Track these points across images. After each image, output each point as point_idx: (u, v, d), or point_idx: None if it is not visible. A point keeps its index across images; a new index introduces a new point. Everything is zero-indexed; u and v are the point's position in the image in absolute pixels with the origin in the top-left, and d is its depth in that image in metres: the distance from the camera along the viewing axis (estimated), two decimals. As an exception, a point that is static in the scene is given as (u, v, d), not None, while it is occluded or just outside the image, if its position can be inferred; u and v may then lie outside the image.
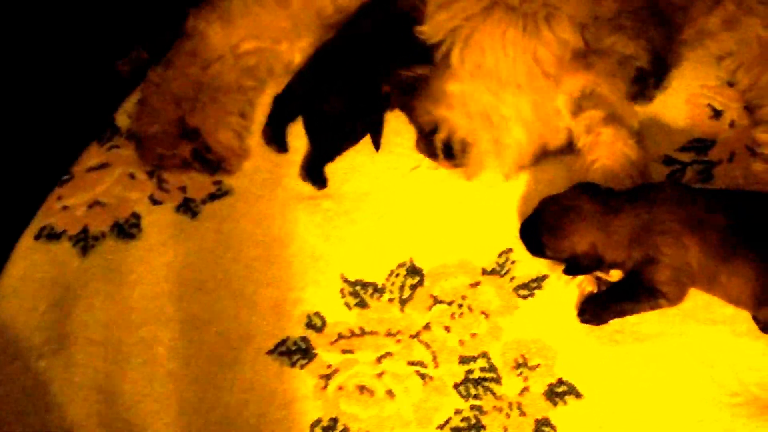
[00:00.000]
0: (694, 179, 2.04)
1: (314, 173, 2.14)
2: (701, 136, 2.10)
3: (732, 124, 2.10)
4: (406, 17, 2.07)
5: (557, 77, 1.92)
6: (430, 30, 1.94)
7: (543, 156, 2.03)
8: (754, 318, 1.83)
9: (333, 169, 2.16)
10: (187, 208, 2.15)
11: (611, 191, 1.89)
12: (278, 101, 2.20)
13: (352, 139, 2.14)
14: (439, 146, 1.99)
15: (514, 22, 1.83)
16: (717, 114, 2.11)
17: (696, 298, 1.86)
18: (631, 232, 1.82)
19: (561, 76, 1.93)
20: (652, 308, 1.86)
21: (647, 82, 1.92)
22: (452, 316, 1.98)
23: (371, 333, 1.99)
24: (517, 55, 1.85)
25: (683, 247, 1.80)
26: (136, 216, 2.16)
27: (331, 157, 2.15)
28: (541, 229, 1.88)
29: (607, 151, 2.01)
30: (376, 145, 2.13)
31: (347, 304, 2.03)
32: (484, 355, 1.93)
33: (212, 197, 2.16)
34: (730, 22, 2.00)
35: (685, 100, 2.14)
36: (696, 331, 1.88)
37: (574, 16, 1.81)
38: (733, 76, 2.14)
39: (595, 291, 1.92)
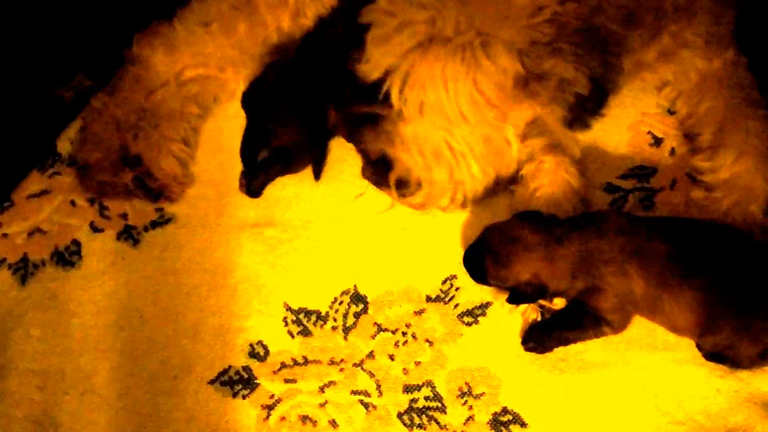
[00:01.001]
0: (636, 207, 1.99)
1: (252, 188, 2.05)
2: (643, 164, 2.05)
3: (672, 152, 2.06)
4: (349, 47, 1.98)
5: (503, 108, 1.85)
6: (369, 69, 1.86)
7: (494, 187, 1.94)
8: (698, 345, 1.77)
9: (277, 197, 2.09)
10: (129, 235, 2.07)
11: (554, 219, 1.83)
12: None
13: (295, 167, 2.05)
14: (392, 182, 1.91)
15: (451, 56, 1.76)
16: (657, 141, 2.07)
17: (639, 326, 1.81)
18: (575, 261, 1.76)
19: (506, 107, 1.85)
20: (596, 336, 1.81)
21: (585, 108, 1.85)
22: (396, 344, 1.91)
23: (314, 362, 1.92)
24: (458, 88, 1.78)
25: (627, 276, 1.74)
26: (77, 243, 2.08)
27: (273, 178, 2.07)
28: (484, 258, 1.82)
29: (549, 179, 1.96)
30: (317, 174, 2.06)
31: (290, 333, 1.95)
32: (429, 383, 1.86)
33: (154, 225, 2.08)
34: (666, 55, 1.96)
35: (626, 127, 2.09)
36: (640, 358, 1.82)
37: (510, 42, 1.75)
38: (673, 105, 2.10)
39: (539, 319, 1.85)
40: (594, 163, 2.05)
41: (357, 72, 1.89)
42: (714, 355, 1.76)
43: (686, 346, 1.80)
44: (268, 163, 2.04)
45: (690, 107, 2.06)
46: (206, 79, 2.15)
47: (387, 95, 1.85)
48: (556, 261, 1.77)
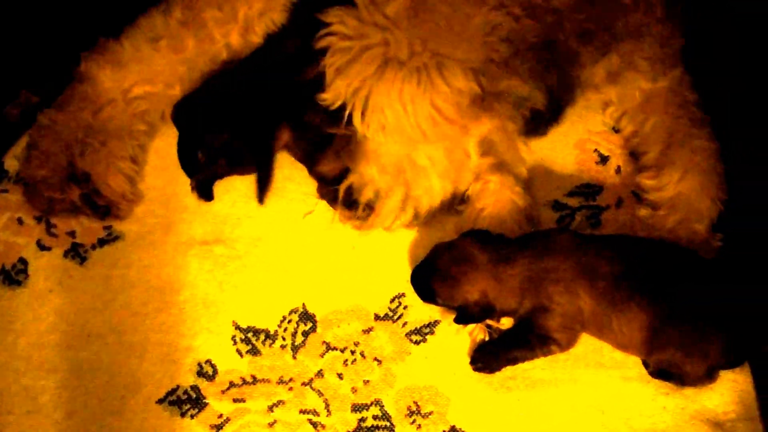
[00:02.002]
0: (583, 225, 1.99)
1: (203, 188, 2.02)
2: (589, 182, 2.04)
3: (618, 170, 2.05)
4: (300, 64, 1.95)
5: (462, 123, 1.85)
6: (331, 96, 1.86)
7: (445, 205, 1.94)
8: (644, 363, 1.76)
9: (225, 215, 2.06)
10: (76, 253, 2.02)
11: (502, 238, 1.82)
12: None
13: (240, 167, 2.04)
14: (341, 196, 1.90)
15: (407, 78, 1.76)
16: (604, 159, 2.07)
17: (587, 343, 1.80)
18: (523, 280, 1.75)
19: (465, 122, 1.86)
20: (544, 355, 1.79)
21: (542, 120, 1.85)
22: (345, 363, 1.88)
23: (263, 381, 1.88)
24: (416, 109, 1.78)
25: (574, 295, 1.73)
26: (24, 262, 2.03)
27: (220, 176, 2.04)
28: (432, 277, 1.80)
29: (494, 199, 1.94)
30: (260, 198, 2.03)
31: (239, 352, 1.92)
32: (377, 402, 1.84)
33: (102, 243, 2.04)
34: (613, 75, 1.96)
35: (573, 145, 2.09)
36: (587, 376, 1.81)
37: (465, 62, 1.75)
38: (618, 123, 2.10)
39: (487, 339, 1.83)
40: (541, 180, 2.04)
41: (318, 99, 1.88)
42: (660, 373, 1.75)
43: (633, 364, 1.79)
44: (208, 162, 2.00)
45: (635, 125, 2.06)
46: (154, 96, 2.10)
47: (349, 118, 1.84)
48: (504, 281, 1.76)
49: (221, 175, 2.04)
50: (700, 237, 1.88)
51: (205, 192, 2.03)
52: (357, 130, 1.84)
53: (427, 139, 1.81)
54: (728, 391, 1.76)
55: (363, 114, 1.80)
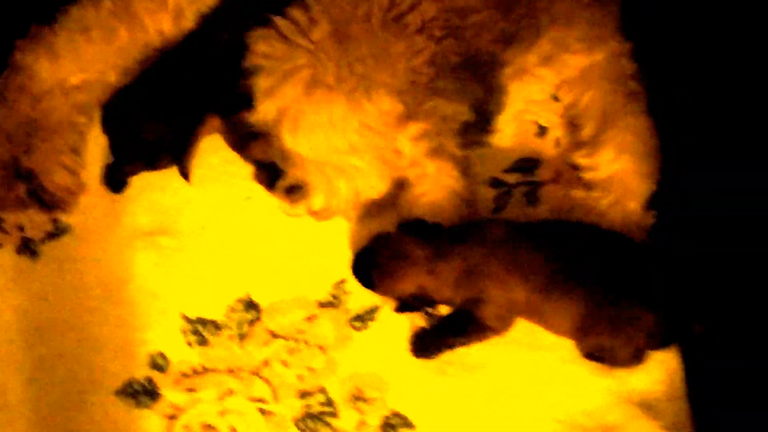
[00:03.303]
0: (521, 202, 2.03)
1: (113, 180, 2.07)
2: (527, 156, 2.07)
3: (557, 143, 2.07)
4: (232, 51, 1.98)
5: (391, 134, 1.90)
6: (260, 117, 1.90)
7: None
8: (577, 346, 1.83)
9: (168, 204, 2.09)
10: (27, 249, 2.07)
11: (438, 230, 1.87)
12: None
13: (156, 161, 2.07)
14: (281, 191, 1.96)
15: (336, 101, 1.81)
16: (542, 131, 2.08)
17: (522, 327, 1.87)
18: (458, 274, 1.82)
19: (395, 133, 1.90)
20: (480, 340, 1.87)
21: (473, 131, 1.90)
22: (290, 351, 1.96)
23: (213, 371, 1.96)
24: (345, 127, 1.84)
25: (508, 287, 1.80)
26: (-24, 260, 2.06)
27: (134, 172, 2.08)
28: (371, 269, 1.85)
29: (432, 185, 1.97)
30: (184, 175, 2.06)
31: (189, 343, 1.99)
32: (322, 389, 1.92)
33: (51, 236, 2.09)
34: (546, 59, 1.97)
35: (511, 118, 2.10)
36: (521, 358, 1.89)
37: (391, 85, 1.78)
38: (557, 91, 2.11)
39: (426, 326, 1.90)
40: (480, 157, 2.06)
41: (247, 119, 1.93)
42: (592, 355, 1.82)
43: (568, 346, 1.85)
44: (132, 157, 2.05)
45: (573, 96, 2.07)
46: (90, 85, 2.12)
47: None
48: (440, 274, 1.82)
49: (137, 171, 2.07)
50: (634, 216, 1.93)
51: (118, 184, 2.06)
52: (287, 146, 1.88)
53: (355, 151, 1.85)
54: (657, 371, 1.84)
55: (293, 133, 1.83)
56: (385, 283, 1.85)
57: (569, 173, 2.04)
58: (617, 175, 1.93)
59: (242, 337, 1.98)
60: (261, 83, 1.88)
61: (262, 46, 1.87)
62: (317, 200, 1.97)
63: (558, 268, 1.79)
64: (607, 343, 1.78)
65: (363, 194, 1.96)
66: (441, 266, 1.81)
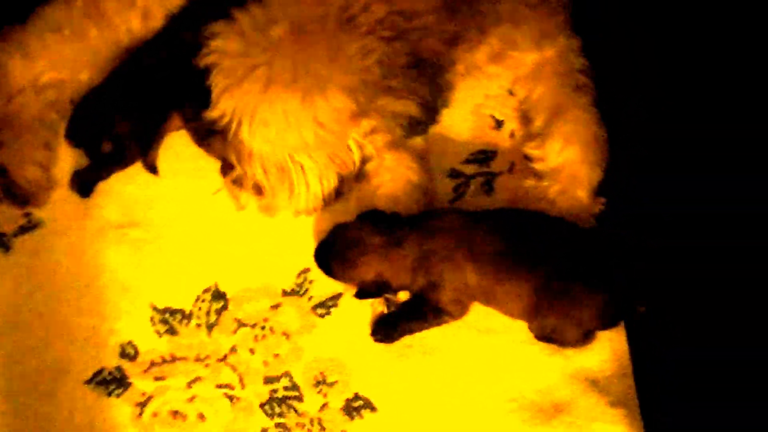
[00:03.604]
0: (477, 192, 2.11)
1: (81, 184, 2.14)
2: (484, 148, 2.15)
3: (512, 135, 2.15)
4: (196, 49, 2.05)
5: (343, 130, 1.98)
6: (217, 114, 1.97)
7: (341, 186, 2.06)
8: (529, 328, 1.91)
9: (138, 197, 2.17)
10: (0, 242, 2.11)
11: (395, 219, 1.94)
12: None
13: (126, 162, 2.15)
14: (229, 183, 2.05)
15: (291, 98, 1.88)
16: (499, 124, 2.17)
17: (477, 311, 1.95)
18: (415, 260, 1.89)
19: (346, 129, 1.99)
20: (438, 324, 1.95)
21: (420, 126, 2.00)
22: (256, 338, 2.02)
23: (181, 359, 2.02)
24: (300, 123, 1.90)
25: (461, 271, 1.87)
26: (-49, 253, 2.11)
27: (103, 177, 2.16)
28: (331, 258, 1.92)
29: (390, 176, 2.06)
30: (151, 169, 2.14)
31: (158, 332, 2.05)
32: (287, 374, 1.99)
33: (23, 230, 2.15)
34: (496, 57, 2.05)
35: (470, 111, 2.19)
36: (477, 340, 1.96)
37: (344, 84, 1.86)
38: (512, 86, 2.20)
39: (386, 311, 1.97)
40: (440, 149, 2.15)
41: (205, 117, 2.00)
42: (543, 336, 1.90)
43: (520, 328, 1.93)
44: (105, 160, 2.13)
45: (526, 91, 2.16)
46: (63, 84, 2.19)
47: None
48: (397, 261, 1.90)
49: (106, 176, 2.15)
50: (582, 203, 2.01)
51: (87, 191, 2.13)
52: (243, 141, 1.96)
53: (307, 147, 1.93)
54: (605, 350, 1.92)
55: (249, 128, 1.92)
56: (345, 270, 1.92)
57: (522, 164, 2.12)
58: (565, 164, 2.02)
59: (210, 326, 2.04)
60: (219, 80, 1.95)
61: (220, 43, 1.93)
62: (266, 197, 2.05)
63: (507, 253, 1.87)
64: (556, 323, 1.86)
65: (312, 190, 2.02)
66: (397, 253, 1.89)
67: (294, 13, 1.92)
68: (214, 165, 2.14)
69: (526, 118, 2.15)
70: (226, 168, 2.09)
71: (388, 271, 1.89)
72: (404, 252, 1.88)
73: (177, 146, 2.20)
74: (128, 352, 2.03)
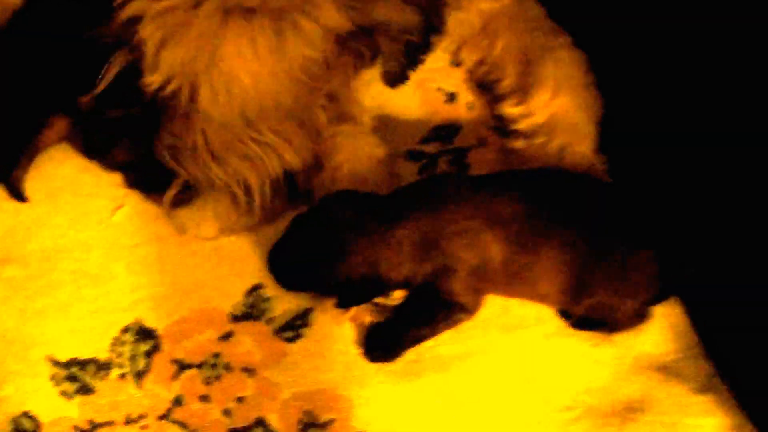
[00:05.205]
0: (449, 171, 1.68)
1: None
2: (441, 123, 1.73)
3: (470, 106, 1.75)
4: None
5: (321, 82, 1.48)
6: (159, 78, 1.40)
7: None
8: (562, 314, 1.49)
9: (10, 227, 1.60)
10: None
11: (375, 197, 1.46)
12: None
13: None
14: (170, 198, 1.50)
15: (261, 28, 1.35)
16: (451, 97, 1.76)
17: (491, 306, 1.49)
18: (417, 241, 1.42)
19: (325, 79, 1.49)
20: (450, 326, 1.48)
21: (416, 51, 1.51)
22: (207, 381, 1.48)
23: (106, 425, 1.46)
24: (276, 64, 1.37)
25: (481, 246, 1.42)
26: None
27: None
28: (297, 260, 1.43)
29: (347, 154, 1.59)
30: (16, 195, 1.60)
31: (65, 393, 1.48)
32: (260, 422, 1.45)
33: None
34: (449, 5, 1.64)
35: (415, 87, 1.75)
36: (501, 342, 1.51)
37: None
38: (456, 56, 1.79)
39: (375, 321, 1.47)
40: (389, 130, 1.70)
41: (142, 85, 1.42)
42: (584, 321, 1.46)
43: (549, 319, 1.51)
44: None
45: (479, 54, 1.76)
46: None
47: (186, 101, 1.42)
48: (395, 245, 1.42)
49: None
50: (585, 161, 1.61)
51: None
52: (193, 107, 1.41)
53: (278, 111, 1.44)
54: (661, 329, 1.50)
55: (208, 84, 1.37)
56: (320, 272, 1.43)
57: (493, 135, 1.72)
58: (559, 114, 1.63)
59: (139, 374, 1.49)
60: (151, 33, 1.39)
61: None
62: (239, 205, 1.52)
63: (535, 216, 1.44)
64: (607, 299, 1.43)
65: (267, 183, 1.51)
66: (394, 235, 1.41)
67: None
68: (106, 177, 1.62)
69: (484, 85, 1.75)
70: (138, 178, 1.55)
71: (384, 259, 1.40)
72: (403, 231, 1.41)
73: (55, 162, 1.65)
74: (25, 427, 1.44)
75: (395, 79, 1.52)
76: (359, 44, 1.47)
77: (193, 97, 1.39)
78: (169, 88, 1.39)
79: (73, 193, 1.63)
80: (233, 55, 1.36)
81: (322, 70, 1.44)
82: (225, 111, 1.41)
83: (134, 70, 1.44)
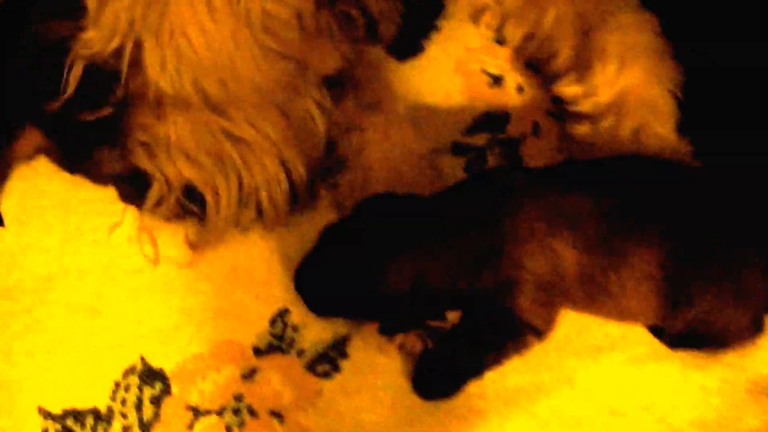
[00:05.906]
0: (501, 165, 1.44)
1: None
2: (488, 110, 1.48)
3: (520, 89, 1.50)
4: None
5: (302, 54, 1.24)
6: (98, 35, 1.17)
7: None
8: (654, 331, 1.22)
9: (-9, 254, 1.33)
10: None
11: (419, 200, 1.23)
12: None
13: None
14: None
15: None
16: (497, 80, 1.51)
17: (565, 326, 1.24)
18: (474, 250, 1.18)
19: (306, 52, 1.25)
20: (520, 351, 1.22)
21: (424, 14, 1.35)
22: (229, 429, 1.21)
23: (109, 486, 1.18)
24: (232, 20, 1.13)
25: (551, 253, 1.17)
26: None
27: None
28: (333, 277, 1.18)
29: (382, 151, 1.36)
30: None
31: (59, 452, 1.20)
32: (294, 475, 1.18)
33: None
34: None
35: (452, 70, 1.51)
36: (582, 368, 1.26)
37: None
38: (500, 34, 1.54)
39: (427, 348, 1.22)
40: (428, 122, 1.45)
41: (81, 50, 1.18)
42: (684, 339, 1.19)
43: (638, 338, 1.25)
44: None
45: (526, 28, 1.51)
46: None
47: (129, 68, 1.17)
48: (446, 256, 1.17)
49: None
50: (666, 144, 1.35)
51: None
52: (146, 90, 1.17)
53: (254, 92, 1.20)
54: (778, 344, 1.23)
55: (157, 48, 1.13)
56: (362, 288, 1.19)
57: (550, 121, 1.47)
58: (628, 90, 1.37)
59: (146, 425, 1.25)
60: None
61: None
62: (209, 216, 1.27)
63: (616, 213, 1.18)
64: (711, 309, 1.17)
65: (262, 188, 1.28)
66: (444, 242, 1.15)
67: None
68: (100, 193, 1.37)
69: (535, 64, 1.50)
70: (128, 189, 1.31)
71: (434, 272, 1.15)
72: (453, 240, 1.15)
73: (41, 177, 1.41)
74: (14, 493, 1.18)
75: (402, 47, 1.27)
76: (344, 4, 1.21)
77: (137, 61, 1.14)
78: (110, 47, 1.14)
79: (65, 211, 1.39)
80: (182, 5, 1.11)
81: (295, 35, 1.18)
82: (176, 82, 1.16)
83: (102, 67, 1.20)
